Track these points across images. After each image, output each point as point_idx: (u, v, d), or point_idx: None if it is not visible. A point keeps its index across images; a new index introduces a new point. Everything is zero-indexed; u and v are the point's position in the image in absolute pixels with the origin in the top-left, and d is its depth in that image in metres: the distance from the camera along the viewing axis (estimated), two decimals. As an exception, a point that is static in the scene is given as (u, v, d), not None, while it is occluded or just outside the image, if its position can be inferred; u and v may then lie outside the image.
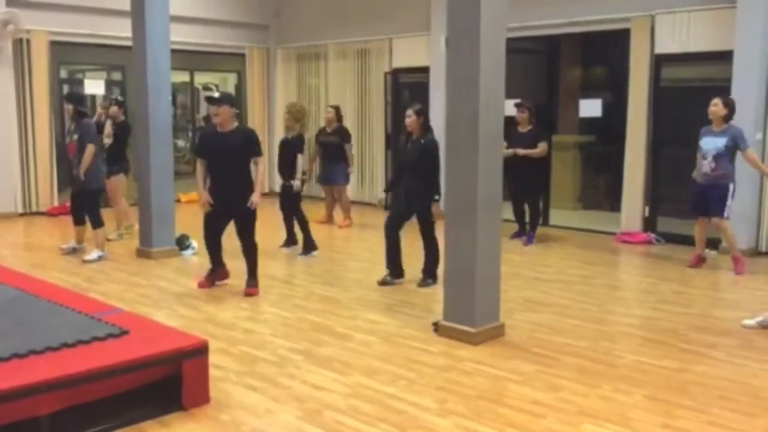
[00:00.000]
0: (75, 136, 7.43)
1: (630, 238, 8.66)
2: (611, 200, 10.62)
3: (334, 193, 9.98)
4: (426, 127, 6.45)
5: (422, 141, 6.39)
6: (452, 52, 5.00)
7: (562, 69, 11.23)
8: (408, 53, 11.16)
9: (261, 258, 7.82)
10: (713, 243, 7.94)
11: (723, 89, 7.80)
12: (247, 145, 6.04)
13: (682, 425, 3.64)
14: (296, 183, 7.86)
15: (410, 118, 6.41)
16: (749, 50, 7.62)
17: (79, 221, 7.62)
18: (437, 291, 5.71)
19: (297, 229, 8.06)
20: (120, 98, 9.53)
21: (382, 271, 6.97)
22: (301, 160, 7.94)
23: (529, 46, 10.91)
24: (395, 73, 11.46)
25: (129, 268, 7.17)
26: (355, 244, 9.00)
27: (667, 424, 3.67)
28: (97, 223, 7.46)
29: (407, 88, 11.64)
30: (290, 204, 8.04)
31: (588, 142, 11.37)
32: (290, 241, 8.20)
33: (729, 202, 6.96)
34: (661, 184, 8.91)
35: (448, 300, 5.10)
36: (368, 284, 6.64)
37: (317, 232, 9.17)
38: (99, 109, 9.25)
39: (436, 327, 5.12)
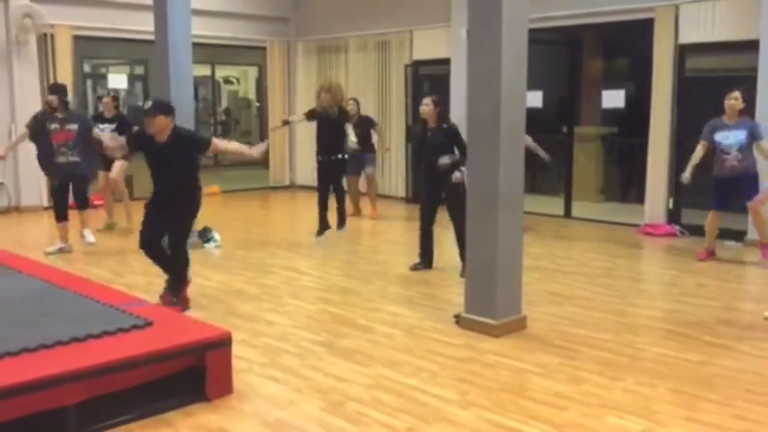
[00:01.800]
0: (69, 126, 7.53)
1: (653, 230, 8.58)
2: (634, 192, 10.52)
3: (367, 182, 10.05)
4: (443, 117, 6.52)
5: (445, 126, 6.49)
6: (473, 44, 4.97)
7: (585, 60, 11.13)
8: (428, 45, 11.12)
9: (281, 250, 7.90)
10: (737, 235, 7.86)
11: (749, 79, 7.69)
12: (188, 147, 5.44)
13: (706, 418, 3.61)
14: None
15: (427, 107, 6.48)
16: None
17: (63, 217, 7.57)
18: (459, 283, 5.69)
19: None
20: (110, 91, 9.78)
21: (403, 263, 6.99)
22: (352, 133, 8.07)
23: (551, 37, 10.82)
24: (416, 65, 11.43)
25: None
26: (377, 236, 9.01)
27: (691, 417, 3.63)
28: (87, 204, 7.97)
29: (428, 81, 11.60)
30: (336, 177, 8.05)
31: (610, 133, 11.28)
32: (324, 226, 8.14)
33: (765, 185, 6.84)
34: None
35: (470, 292, 5.09)
36: (390, 276, 6.65)
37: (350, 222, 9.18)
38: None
39: (458, 319, 5.12)
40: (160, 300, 5.47)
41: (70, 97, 8.24)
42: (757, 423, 3.55)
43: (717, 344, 4.74)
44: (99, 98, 9.36)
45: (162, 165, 5.41)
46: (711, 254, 7.27)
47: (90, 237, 7.99)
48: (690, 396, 3.89)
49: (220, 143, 5.84)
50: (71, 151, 7.53)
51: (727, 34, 8.10)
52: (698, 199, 8.76)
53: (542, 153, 8.56)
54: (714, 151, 7.06)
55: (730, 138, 6.90)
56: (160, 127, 5.27)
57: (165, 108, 5.34)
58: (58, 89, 7.75)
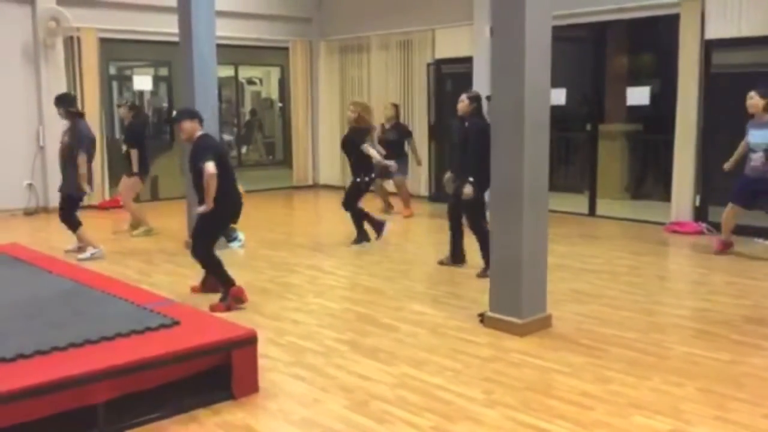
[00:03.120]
0: (64, 138, 7.42)
1: (680, 228, 8.49)
2: (660, 190, 10.41)
3: (396, 187, 10.07)
4: (475, 113, 6.48)
5: (466, 123, 6.47)
6: (497, 41, 4.96)
7: (609, 57, 11.03)
8: (451, 44, 11.10)
9: (305, 249, 7.93)
10: (764, 232, 7.75)
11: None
12: (196, 152, 5.55)
13: (735, 418, 3.57)
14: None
15: (462, 103, 6.49)
16: (805, 33, 7.39)
17: (73, 226, 7.46)
18: (483, 282, 5.68)
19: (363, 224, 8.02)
20: (130, 101, 9.80)
21: (428, 262, 6.99)
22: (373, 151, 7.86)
23: (576, 34, 10.74)
24: (438, 64, 11.41)
25: (177, 260, 7.29)
26: (401, 235, 9.01)
27: (719, 416, 3.59)
28: (76, 225, 7.40)
29: (450, 79, 11.58)
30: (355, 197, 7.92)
31: (635, 130, 11.17)
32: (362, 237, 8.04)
33: None
34: (712, 172, 8.69)
35: (495, 291, 5.07)
36: (414, 275, 6.65)
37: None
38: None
39: (482, 318, 5.10)
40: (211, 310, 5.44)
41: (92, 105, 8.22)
42: (787, 423, 3.50)
43: (746, 343, 4.68)
44: (118, 106, 9.46)
45: (189, 168, 5.66)
46: (727, 246, 7.21)
47: (85, 254, 7.40)
48: (718, 395, 3.84)
49: (206, 172, 5.37)
50: (61, 165, 7.40)
51: (755, 28, 7.98)
52: (726, 197, 8.67)
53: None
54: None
55: (757, 137, 6.84)
56: (189, 133, 5.61)
57: (188, 113, 5.74)
58: (58, 100, 7.58)
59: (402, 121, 10.64)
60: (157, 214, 9.59)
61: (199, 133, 5.64)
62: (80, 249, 7.54)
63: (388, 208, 10.16)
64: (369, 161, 7.81)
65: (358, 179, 7.87)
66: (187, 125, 5.62)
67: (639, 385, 4.00)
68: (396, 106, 10.39)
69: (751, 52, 8.51)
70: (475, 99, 6.51)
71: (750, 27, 8.02)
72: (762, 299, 5.76)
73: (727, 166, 7.29)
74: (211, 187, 5.36)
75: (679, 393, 3.89)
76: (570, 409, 3.70)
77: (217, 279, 5.68)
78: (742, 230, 7.89)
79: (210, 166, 5.33)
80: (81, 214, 7.59)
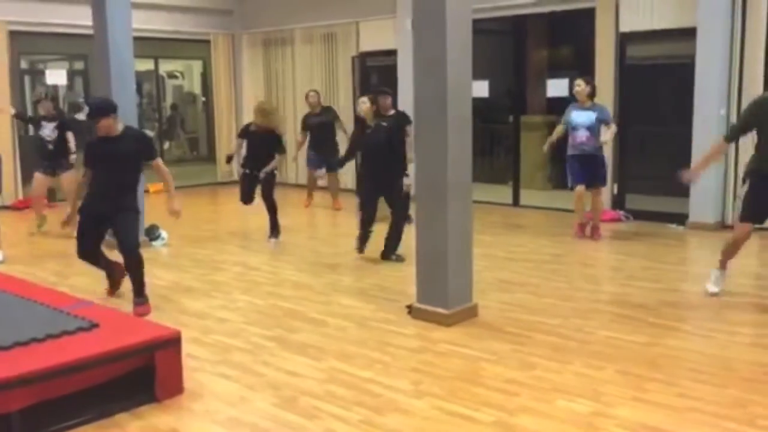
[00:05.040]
0: None
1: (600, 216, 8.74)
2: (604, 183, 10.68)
3: (329, 179, 9.98)
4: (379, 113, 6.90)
5: (384, 123, 6.73)
6: (418, 35, 4.98)
7: (530, 50, 11.25)
8: (375, 36, 11.11)
9: (231, 245, 7.83)
10: (679, 218, 8.08)
11: (688, 66, 7.91)
12: (142, 148, 5.48)
13: (652, 398, 3.70)
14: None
15: (365, 105, 6.83)
16: (712, 26, 7.71)
17: None
18: (410, 274, 5.72)
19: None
20: (50, 93, 9.50)
21: (355, 255, 6.98)
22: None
23: (497, 27, 10.92)
24: (363, 57, 11.41)
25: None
26: (327, 229, 8.99)
27: (637, 397, 3.72)
28: None
29: (375, 72, 11.58)
30: (270, 192, 7.95)
31: (556, 122, 11.40)
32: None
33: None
34: (628, 161, 9.00)
35: (421, 283, 5.11)
36: (341, 269, 6.64)
37: (298, 216, 9.20)
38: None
39: (410, 310, 5.14)
40: (137, 311, 5.27)
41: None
42: (700, 400, 3.66)
43: (661, 325, 4.87)
44: (35, 103, 9.10)
45: (112, 162, 5.34)
46: (584, 227, 7.79)
47: None
48: (636, 377, 3.98)
49: (162, 164, 5.61)
50: None
51: (667, 22, 8.29)
52: (642, 185, 9.00)
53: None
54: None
55: (582, 117, 7.47)
56: (108, 129, 5.33)
57: (104, 109, 5.36)
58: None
59: (325, 104, 10.55)
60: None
61: (121, 125, 5.43)
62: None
63: (308, 202, 10.14)
64: (273, 156, 7.88)
65: (267, 172, 7.87)
66: (105, 122, 5.29)
67: (562, 370, 4.10)
68: (317, 92, 10.30)
69: (662, 45, 8.84)
70: (380, 97, 6.85)
71: (661, 20, 8.33)
72: (676, 283, 6.00)
73: (546, 148, 7.98)
74: (171, 184, 5.60)
75: (600, 376, 4.01)
76: (496, 396, 3.77)
77: (141, 279, 5.45)
78: (656, 217, 8.23)
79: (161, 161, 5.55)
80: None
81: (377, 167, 6.66)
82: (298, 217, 9.53)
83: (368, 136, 6.75)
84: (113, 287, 5.81)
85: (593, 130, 7.42)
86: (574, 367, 4.14)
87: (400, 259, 6.71)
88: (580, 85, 7.54)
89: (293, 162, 10.76)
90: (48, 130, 8.39)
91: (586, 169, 7.52)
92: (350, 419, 3.55)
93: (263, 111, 8.08)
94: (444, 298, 4.95)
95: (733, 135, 5.47)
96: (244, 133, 8.16)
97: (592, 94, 7.53)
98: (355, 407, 3.68)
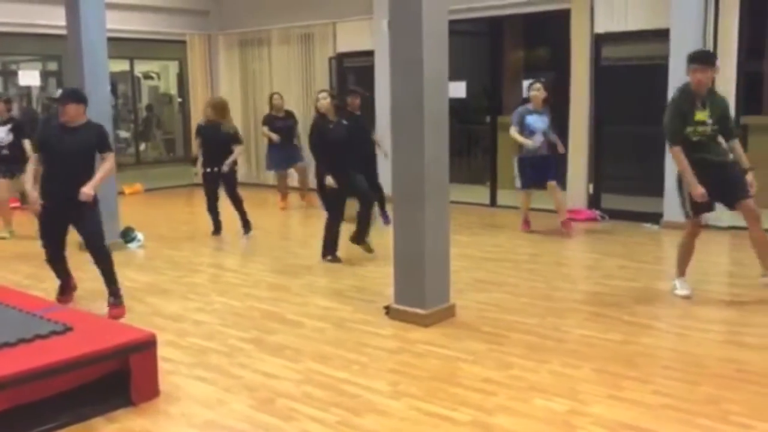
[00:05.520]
0: None
1: (575, 216, 8.80)
2: (557, 179, 10.74)
3: (298, 173, 10.17)
4: (341, 110, 7.02)
5: (344, 121, 6.89)
6: (394, 36, 4.99)
7: (507, 51, 11.31)
8: (352, 37, 11.10)
9: (208, 247, 7.78)
10: (655, 217, 8.16)
11: (661, 67, 7.99)
12: (100, 139, 5.40)
13: (627, 396, 3.74)
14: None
15: (326, 100, 6.74)
16: (685, 28, 7.79)
17: None
18: (388, 275, 5.72)
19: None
20: (4, 95, 9.36)
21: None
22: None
23: (474, 28, 10.96)
24: (340, 58, 11.39)
25: (72, 262, 6.95)
26: (302, 229, 8.97)
27: (613, 395, 3.76)
28: None
29: (352, 73, 11.58)
30: (233, 187, 8.17)
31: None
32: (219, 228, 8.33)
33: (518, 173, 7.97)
34: (604, 161, 9.08)
35: (399, 283, 5.12)
36: (318, 270, 6.62)
37: (273, 217, 9.16)
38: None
39: (388, 310, 5.14)
40: (111, 314, 5.24)
41: None
42: (674, 397, 3.70)
43: (636, 323, 4.92)
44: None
45: (69, 154, 5.24)
46: (529, 224, 8.10)
47: None
48: (612, 375, 4.02)
49: (112, 160, 5.53)
50: None
51: (640, 23, 8.37)
52: (617, 184, 9.09)
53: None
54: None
55: (538, 121, 7.69)
56: (73, 116, 5.26)
57: (76, 96, 5.36)
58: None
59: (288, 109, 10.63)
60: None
61: (85, 118, 5.34)
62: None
63: (284, 205, 10.16)
64: (231, 151, 8.03)
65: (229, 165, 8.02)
66: (72, 109, 5.24)
67: (538, 369, 4.13)
68: (281, 96, 10.38)
69: (636, 46, 8.93)
70: (336, 96, 7.03)
71: (635, 22, 8.40)
72: (651, 281, 6.06)
73: (527, 144, 7.80)
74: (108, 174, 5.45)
75: (576, 374, 4.04)
76: (473, 395, 3.78)
77: (112, 275, 5.42)
78: (631, 216, 8.30)
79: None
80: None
81: (339, 162, 6.67)
82: (275, 219, 9.50)
83: (331, 131, 6.74)
84: (62, 295, 5.69)
85: (547, 134, 7.76)
86: (551, 366, 4.16)
87: (369, 249, 6.79)
88: (540, 90, 7.74)
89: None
90: (2, 133, 8.22)
91: (537, 170, 7.78)
92: (327, 420, 3.54)
93: (215, 105, 8.22)
94: (421, 299, 4.96)
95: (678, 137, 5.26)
96: (200, 132, 8.27)
97: (546, 99, 7.79)
98: (332, 408, 3.67)
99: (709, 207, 5.31)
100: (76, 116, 5.28)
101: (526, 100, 7.85)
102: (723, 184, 5.17)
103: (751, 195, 5.22)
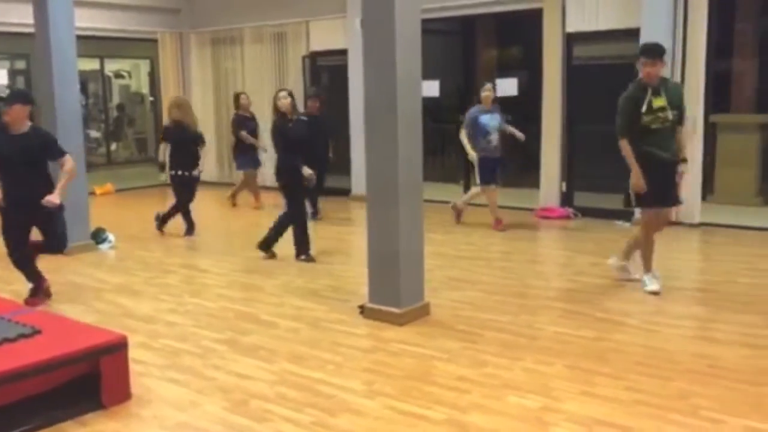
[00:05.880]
0: None
1: (549, 214, 8.89)
2: (530, 177, 10.82)
3: (247, 177, 10.17)
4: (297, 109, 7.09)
5: (304, 119, 7.07)
6: (367, 35, 4.98)
7: (480, 49, 11.35)
8: (325, 36, 11.06)
9: (180, 248, 7.71)
10: (626, 215, 8.23)
11: (632, 66, 8.04)
12: (47, 147, 5.32)
13: (600, 392, 3.77)
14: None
15: (287, 99, 6.75)
16: (655, 27, 7.87)
17: None
18: (362, 274, 5.71)
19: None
20: None
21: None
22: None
23: (447, 27, 10.99)
24: (313, 57, 11.35)
25: (41, 264, 6.85)
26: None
27: (586, 391, 3.79)
28: None
29: (326, 72, 11.54)
30: (192, 190, 8.26)
31: (505, 121, 11.54)
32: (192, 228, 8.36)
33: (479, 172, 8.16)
34: (576, 160, 9.15)
35: (373, 282, 5.11)
36: (293, 270, 6.59)
37: (246, 217, 9.10)
38: None
39: (362, 310, 5.13)
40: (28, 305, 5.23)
41: None
42: (646, 393, 3.74)
43: (608, 320, 4.97)
44: None
45: (15, 163, 5.18)
46: (501, 222, 8.21)
47: None
48: (585, 371, 4.05)
49: (71, 162, 5.41)
50: None
51: (611, 23, 8.45)
52: (589, 182, 9.16)
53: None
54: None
55: (493, 120, 8.01)
56: (17, 117, 5.18)
57: (23, 97, 5.30)
58: None
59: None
60: None
61: (28, 124, 5.25)
62: None
63: (258, 205, 10.09)
64: (196, 153, 8.10)
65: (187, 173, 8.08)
66: (17, 110, 5.14)
67: (512, 366, 4.15)
68: (248, 96, 10.33)
69: (608, 45, 9.02)
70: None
71: (606, 21, 8.48)
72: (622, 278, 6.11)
73: (476, 154, 8.08)
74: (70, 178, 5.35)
75: (549, 371, 4.07)
76: (448, 394, 3.79)
77: (34, 277, 5.54)
78: (603, 214, 8.38)
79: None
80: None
81: (300, 158, 6.68)
82: (248, 218, 9.43)
83: (291, 129, 6.75)
84: (32, 297, 5.63)
85: (502, 129, 8.10)
86: (525, 364, 4.19)
87: (310, 259, 6.81)
88: (490, 90, 8.11)
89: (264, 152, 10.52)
90: None
91: (495, 169, 8.13)
92: (302, 421, 3.53)
93: (180, 105, 8.29)
94: (396, 298, 4.96)
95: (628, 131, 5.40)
96: (168, 134, 8.26)
97: (495, 98, 8.15)
98: (306, 409, 3.65)
99: (651, 202, 5.42)
100: (19, 118, 5.17)
101: (479, 101, 8.14)
102: (662, 184, 5.35)
103: (681, 202, 5.69)
